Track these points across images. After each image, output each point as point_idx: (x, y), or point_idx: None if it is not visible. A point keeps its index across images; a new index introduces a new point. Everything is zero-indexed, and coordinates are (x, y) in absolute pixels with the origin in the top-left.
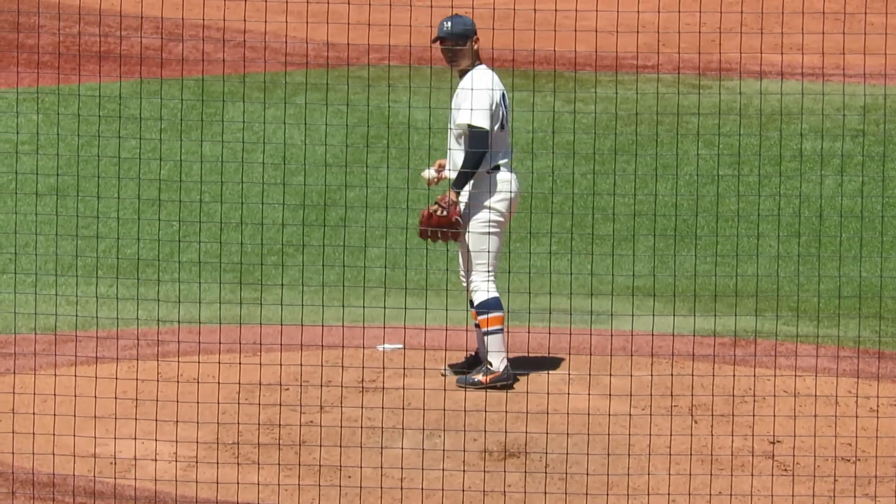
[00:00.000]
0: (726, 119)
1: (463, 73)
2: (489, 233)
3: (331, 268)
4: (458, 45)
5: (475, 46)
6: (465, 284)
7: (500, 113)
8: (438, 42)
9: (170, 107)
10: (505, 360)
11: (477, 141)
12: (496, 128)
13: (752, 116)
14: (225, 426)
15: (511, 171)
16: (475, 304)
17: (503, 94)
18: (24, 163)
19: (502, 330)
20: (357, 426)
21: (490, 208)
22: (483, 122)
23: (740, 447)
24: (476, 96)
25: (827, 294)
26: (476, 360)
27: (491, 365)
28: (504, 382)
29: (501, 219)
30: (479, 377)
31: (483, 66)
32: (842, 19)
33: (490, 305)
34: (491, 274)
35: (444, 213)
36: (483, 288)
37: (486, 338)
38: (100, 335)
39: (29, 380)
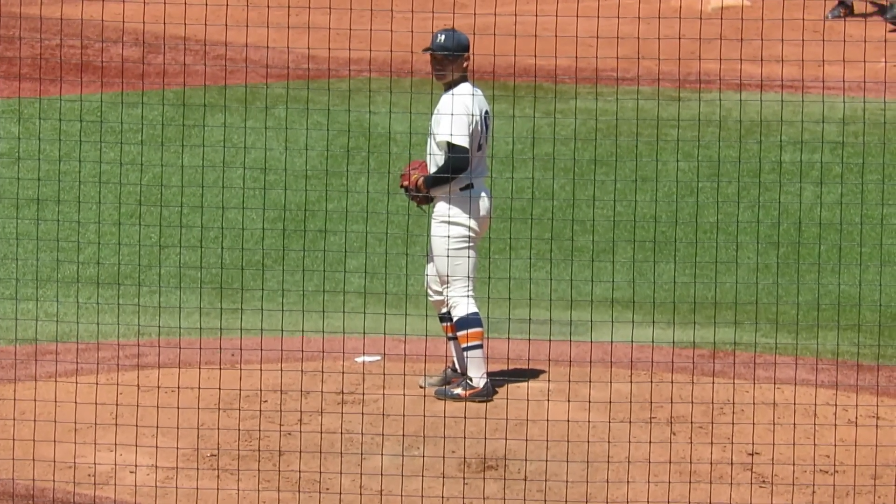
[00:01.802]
0: (705, 130)
1: (448, 87)
2: (468, 247)
3: (310, 279)
4: (447, 61)
5: (465, 64)
6: (432, 299)
7: (479, 133)
8: (430, 53)
9: (150, 118)
10: (485, 376)
11: (456, 154)
12: (472, 151)
13: (732, 128)
14: (204, 437)
15: (485, 189)
16: (454, 319)
17: (485, 114)
18: (3, 174)
19: (482, 345)
20: (336, 437)
21: (465, 225)
22: (462, 140)
23: (719, 458)
24: (456, 113)
25: (805, 305)
26: (454, 373)
27: (471, 380)
28: (483, 398)
29: (475, 234)
30: (459, 391)
31: (467, 84)
32: (821, 31)
33: (469, 322)
34: (469, 289)
35: (415, 195)
36: (462, 304)
37: (465, 354)
38: (80, 346)
39: (8, 390)
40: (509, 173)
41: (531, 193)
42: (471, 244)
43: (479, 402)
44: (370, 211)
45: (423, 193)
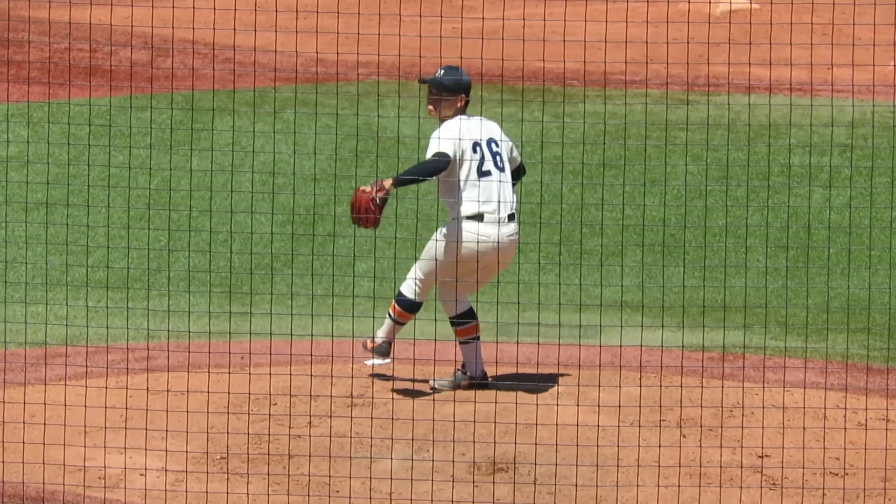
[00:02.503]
0: (714, 133)
1: (442, 121)
2: (448, 262)
3: (319, 282)
4: (442, 97)
5: (459, 104)
6: (445, 306)
7: (470, 160)
8: (427, 86)
9: (158, 121)
10: (387, 343)
11: (431, 157)
12: (471, 175)
13: (740, 131)
14: (214, 440)
15: (498, 224)
16: (397, 294)
17: (487, 142)
18: (12, 177)
19: (403, 324)
20: (346, 440)
21: (457, 247)
22: (435, 148)
23: (729, 461)
24: (438, 133)
25: (815, 308)
26: (464, 376)
27: (375, 339)
28: (380, 355)
29: (464, 259)
30: (370, 342)
31: (463, 117)
32: (830, 33)
33: (407, 303)
34: (419, 282)
35: (369, 191)
36: (410, 286)
37: (386, 320)
38: (89, 350)
39: (18, 393)
40: None
41: (540, 197)
42: (451, 259)
43: (378, 358)
44: None
45: (382, 196)
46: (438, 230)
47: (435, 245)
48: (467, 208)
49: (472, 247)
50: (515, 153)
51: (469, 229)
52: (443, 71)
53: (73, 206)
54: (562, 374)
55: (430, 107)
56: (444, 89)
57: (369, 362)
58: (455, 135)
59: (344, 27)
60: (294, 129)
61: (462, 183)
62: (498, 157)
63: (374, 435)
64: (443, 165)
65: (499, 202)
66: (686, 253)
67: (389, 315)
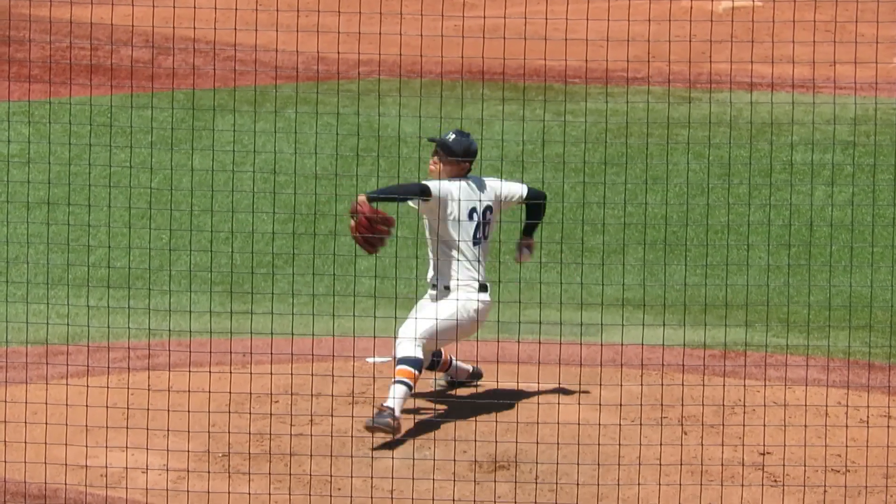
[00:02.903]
0: (716, 131)
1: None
2: (446, 318)
3: (320, 280)
4: (448, 159)
5: (458, 171)
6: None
7: (459, 229)
8: (436, 146)
9: (159, 120)
10: (399, 413)
11: (406, 183)
12: (469, 241)
13: (743, 128)
14: (215, 438)
15: (478, 291)
16: (399, 355)
17: (483, 211)
18: (14, 175)
19: (411, 386)
20: (347, 438)
21: (459, 310)
22: (429, 182)
23: (730, 458)
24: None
25: (817, 305)
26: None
27: (393, 410)
28: (389, 431)
29: (464, 319)
30: (388, 419)
31: (471, 180)
32: (832, 30)
33: (411, 362)
34: (418, 342)
35: (355, 219)
36: (409, 345)
37: (393, 385)
38: (90, 348)
39: (20, 392)
40: (519, 174)
41: None
42: (452, 320)
43: (383, 432)
44: None
45: (368, 216)
46: (442, 296)
47: (437, 309)
48: (475, 278)
49: (473, 316)
50: (525, 190)
51: (483, 300)
52: (453, 135)
53: (74, 204)
54: (563, 373)
55: (432, 167)
56: (450, 153)
57: (369, 360)
58: (451, 189)
59: (345, 25)
60: (295, 127)
61: (458, 249)
62: (487, 228)
63: (375, 433)
64: (416, 191)
65: (479, 273)
66: (688, 250)
67: (403, 382)
